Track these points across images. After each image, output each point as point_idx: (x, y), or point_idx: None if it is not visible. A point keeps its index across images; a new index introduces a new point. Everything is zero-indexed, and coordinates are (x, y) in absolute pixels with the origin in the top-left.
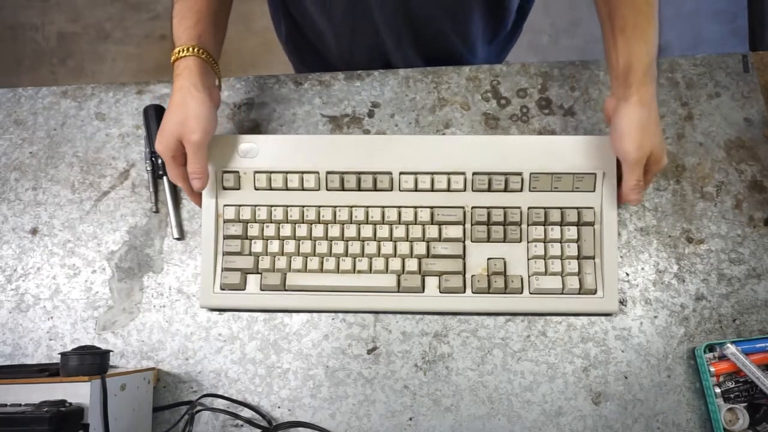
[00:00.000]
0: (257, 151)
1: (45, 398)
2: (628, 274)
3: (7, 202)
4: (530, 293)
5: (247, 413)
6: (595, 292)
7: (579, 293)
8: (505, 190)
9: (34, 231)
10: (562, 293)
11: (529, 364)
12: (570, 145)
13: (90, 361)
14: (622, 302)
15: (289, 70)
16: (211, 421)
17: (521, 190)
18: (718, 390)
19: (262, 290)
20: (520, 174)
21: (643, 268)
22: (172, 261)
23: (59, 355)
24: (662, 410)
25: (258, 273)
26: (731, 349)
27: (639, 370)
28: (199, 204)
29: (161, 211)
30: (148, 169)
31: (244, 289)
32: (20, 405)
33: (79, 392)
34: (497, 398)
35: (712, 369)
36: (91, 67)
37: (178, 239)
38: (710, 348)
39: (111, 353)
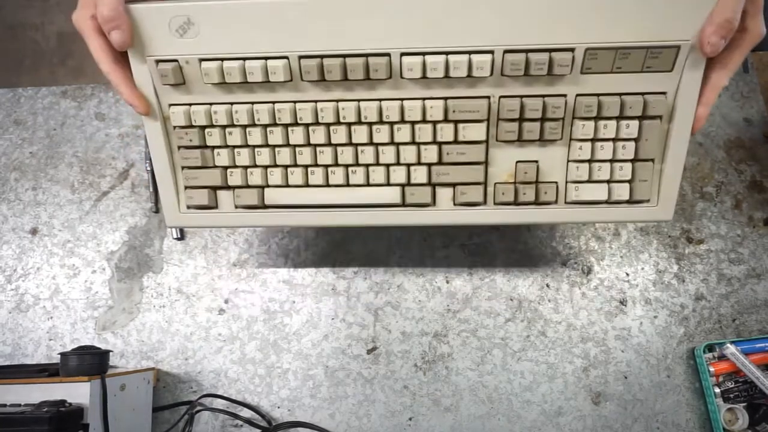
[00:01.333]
0: (198, 28)
1: (45, 398)
2: (628, 274)
3: (6, 202)
4: (566, 203)
5: (246, 413)
6: (648, 200)
7: (627, 203)
8: (549, 73)
9: (33, 231)
10: (607, 203)
11: (528, 364)
12: (646, 4)
13: (90, 361)
14: (623, 302)
15: None
16: (211, 421)
17: (570, 72)
18: (717, 390)
19: (236, 208)
20: (571, 50)
21: (643, 268)
22: (171, 261)
23: (59, 355)
24: (662, 410)
25: (229, 189)
26: (731, 349)
27: (639, 370)
28: (139, 105)
29: (161, 211)
30: (148, 169)
31: (215, 207)
32: (20, 405)
33: (78, 392)
34: (497, 398)
35: (712, 369)
36: (91, 67)
37: (177, 239)
38: (710, 348)
39: (111, 353)
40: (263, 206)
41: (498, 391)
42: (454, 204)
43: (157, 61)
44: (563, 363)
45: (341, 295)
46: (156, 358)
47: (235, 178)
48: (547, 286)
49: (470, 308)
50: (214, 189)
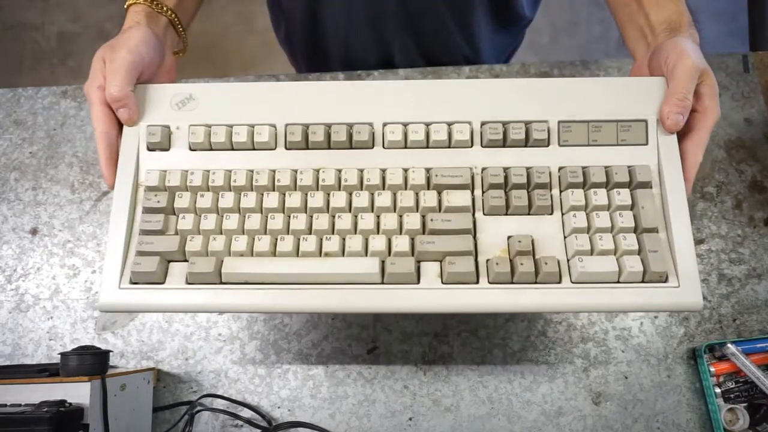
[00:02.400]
0: (197, 103)
1: (45, 398)
2: None
3: (6, 202)
4: (573, 282)
5: (247, 413)
6: (665, 278)
7: (643, 281)
8: (527, 144)
9: (33, 231)
10: (619, 281)
11: (529, 364)
12: (608, 87)
13: (90, 362)
14: None
15: (289, 69)
16: (211, 421)
17: (548, 144)
18: (718, 390)
19: (188, 283)
20: (545, 122)
21: None
22: None
23: (59, 355)
24: (662, 410)
25: (185, 261)
26: (731, 349)
27: (639, 370)
28: (109, 177)
29: None
30: None
31: (162, 283)
32: (20, 405)
33: (79, 392)
34: (497, 398)
35: (712, 369)
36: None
37: None
38: (710, 348)
39: (111, 353)
40: (219, 281)
41: (498, 391)
42: (443, 282)
43: (148, 126)
44: (563, 363)
45: None
46: (156, 358)
47: (194, 243)
48: None
49: None
50: (167, 259)
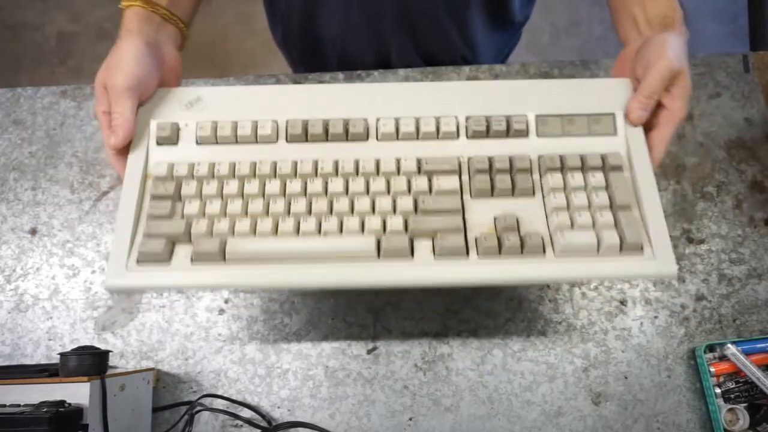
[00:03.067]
0: (205, 104)
1: (44, 399)
2: None
3: (6, 202)
4: (556, 254)
5: (246, 413)
6: (641, 249)
7: (621, 252)
8: (508, 135)
9: (33, 231)
10: (599, 253)
11: (529, 364)
12: (580, 87)
13: (89, 362)
14: (623, 302)
15: (289, 69)
16: (211, 421)
17: (527, 134)
18: (718, 390)
19: (193, 262)
20: (524, 116)
21: None
22: None
23: (58, 356)
24: (662, 410)
25: (190, 243)
26: (731, 349)
27: (639, 371)
28: (120, 170)
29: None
30: None
31: (168, 262)
32: (19, 405)
33: (78, 393)
34: (497, 398)
35: (713, 369)
36: (91, 67)
37: None
38: (710, 348)
39: (110, 353)
40: (223, 260)
41: (498, 392)
42: (435, 255)
43: (158, 123)
44: (563, 363)
45: (341, 295)
46: (156, 358)
47: (199, 226)
48: (548, 286)
49: (470, 308)
50: (173, 241)
